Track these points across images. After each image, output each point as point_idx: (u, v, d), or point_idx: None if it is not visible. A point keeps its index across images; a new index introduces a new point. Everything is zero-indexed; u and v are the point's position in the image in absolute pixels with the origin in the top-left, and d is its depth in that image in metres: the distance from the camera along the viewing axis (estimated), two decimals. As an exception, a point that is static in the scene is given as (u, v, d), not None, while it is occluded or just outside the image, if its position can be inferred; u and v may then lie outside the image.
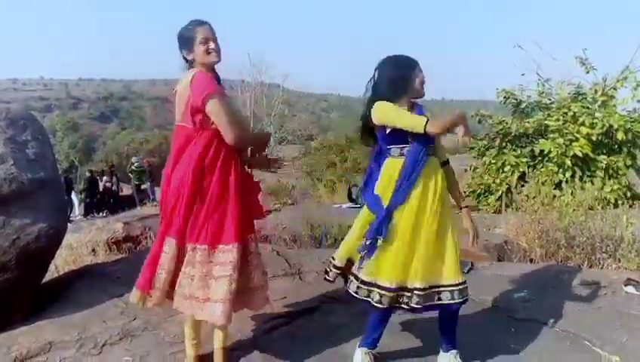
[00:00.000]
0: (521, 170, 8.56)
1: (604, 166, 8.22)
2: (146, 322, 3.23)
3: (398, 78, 2.53)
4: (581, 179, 7.87)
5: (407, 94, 2.54)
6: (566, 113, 8.78)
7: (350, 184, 11.56)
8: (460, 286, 2.46)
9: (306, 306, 3.54)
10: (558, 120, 8.70)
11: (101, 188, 15.52)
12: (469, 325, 3.05)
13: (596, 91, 9.05)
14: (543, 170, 8.40)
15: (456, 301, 2.46)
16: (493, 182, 8.86)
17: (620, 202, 7.44)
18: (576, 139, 8.30)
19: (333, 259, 2.70)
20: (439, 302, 2.48)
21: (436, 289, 2.47)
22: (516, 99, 9.66)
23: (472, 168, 9.84)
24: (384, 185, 2.54)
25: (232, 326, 2.89)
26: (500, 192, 8.53)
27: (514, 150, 8.99)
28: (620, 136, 8.16)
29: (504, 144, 9.14)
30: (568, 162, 8.18)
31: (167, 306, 2.68)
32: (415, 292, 2.43)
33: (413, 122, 2.44)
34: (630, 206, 5.81)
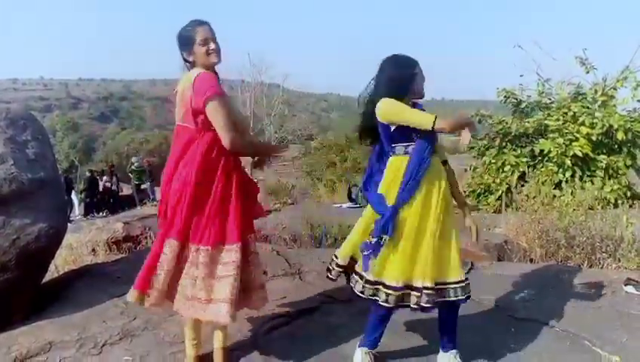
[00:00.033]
0: (521, 169, 8.56)
1: (604, 166, 8.22)
2: (146, 322, 3.23)
3: (400, 77, 2.52)
4: (581, 178, 7.88)
5: (408, 94, 2.53)
6: (566, 113, 8.78)
7: (350, 184, 11.56)
8: (464, 283, 2.49)
9: (306, 306, 3.54)
10: (558, 120, 8.70)
11: (101, 188, 15.51)
12: (469, 325, 3.05)
13: (596, 91, 9.05)
14: (543, 169, 8.40)
15: (460, 297, 2.48)
16: (493, 181, 8.86)
17: (619, 202, 7.44)
18: (576, 139, 8.30)
19: (335, 257, 2.68)
20: (444, 299, 2.49)
21: (443, 287, 2.48)
22: (516, 99, 9.66)
23: (472, 168, 9.85)
24: (389, 184, 2.52)
25: (232, 326, 2.89)
26: (500, 192, 8.53)
27: (514, 150, 8.99)
28: (619, 135, 8.17)
29: (504, 144, 9.14)
30: (568, 162, 8.18)
31: (167, 306, 2.68)
32: (425, 291, 2.43)
33: (421, 119, 2.42)
34: (630, 206, 5.80)
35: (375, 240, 2.41)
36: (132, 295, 2.59)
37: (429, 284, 2.42)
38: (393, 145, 2.55)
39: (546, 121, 8.80)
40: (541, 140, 8.75)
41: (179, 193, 2.51)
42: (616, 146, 8.59)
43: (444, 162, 2.65)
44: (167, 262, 2.52)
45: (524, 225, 5.35)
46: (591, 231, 4.87)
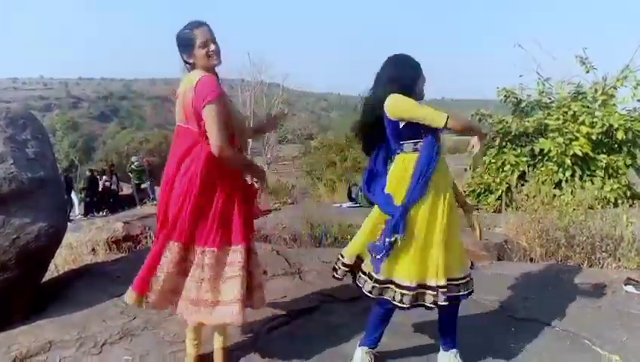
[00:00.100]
0: (521, 169, 8.56)
1: (604, 165, 8.23)
2: (146, 321, 3.23)
3: (405, 76, 2.51)
4: (581, 178, 7.89)
5: (411, 94, 2.52)
6: (566, 112, 8.79)
7: (350, 183, 11.55)
8: (468, 279, 2.54)
9: (306, 306, 3.54)
10: (558, 119, 8.71)
11: (101, 188, 15.49)
12: (469, 324, 3.05)
13: (596, 90, 9.05)
14: (542, 169, 8.40)
15: (463, 293, 2.52)
16: (493, 181, 8.86)
17: (619, 201, 7.44)
18: (576, 139, 8.30)
19: (342, 256, 2.66)
20: (455, 295, 2.51)
21: (454, 284, 2.49)
22: (516, 98, 9.66)
23: (472, 168, 9.84)
24: (396, 183, 2.50)
25: (232, 326, 2.89)
26: (500, 191, 8.53)
27: (514, 149, 8.99)
28: (619, 135, 8.17)
29: (504, 143, 9.14)
30: (568, 161, 8.18)
31: (167, 309, 2.67)
32: (440, 290, 2.43)
33: (434, 115, 2.40)
34: (630, 205, 5.80)
35: (388, 240, 2.37)
36: (130, 297, 2.56)
37: (442, 283, 2.43)
38: (401, 142, 2.52)
39: (546, 121, 8.80)
40: (541, 140, 8.75)
41: (183, 194, 2.49)
42: (616, 146, 8.60)
43: None
44: (167, 265, 2.50)
45: (524, 225, 5.35)
46: (591, 231, 4.88)
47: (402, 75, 2.52)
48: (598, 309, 3.51)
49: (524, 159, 8.72)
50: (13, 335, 3.11)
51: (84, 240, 5.73)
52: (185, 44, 2.53)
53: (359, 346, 2.68)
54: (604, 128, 8.33)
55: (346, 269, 2.64)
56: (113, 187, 15.95)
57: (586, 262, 4.71)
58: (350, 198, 10.35)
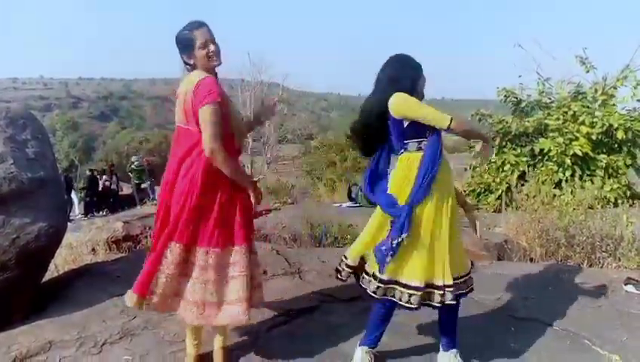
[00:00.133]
0: (521, 169, 8.56)
1: (604, 165, 8.22)
2: (145, 321, 3.23)
3: (405, 77, 2.51)
4: (581, 178, 7.88)
5: (413, 94, 2.51)
6: (566, 112, 8.78)
7: (350, 183, 11.55)
8: (469, 276, 2.57)
9: (306, 305, 3.54)
10: (558, 119, 8.70)
11: (101, 188, 15.49)
12: (469, 324, 3.05)
13: (596, 90, 9.05)
14: (542, 169, 8.40)
15: (463, 292, 2.54)
16: (493, 181, 8.86)
17: (619, 201, 7.44)
18: (576, 138, 8.30)
19: (345, 258, 2.66)
20: (460, 292, 2.52)
21: (459, 282, 2.51)
22: (516, 98, 9.66)
23: (472, 167, 9.84)
24: (400, 182, 2.49)
25: (232, 326, 2.89)
26: (500, 191, 8.53)
27: (514, 149, 8.99)
28: (619, 135, 8.17)
29: (504, 143, 9.14)
30: (568, 161, 8.18)
31: (168, 312, 2.65)
32: (447, 289, 2.44)
33: (437, 116, 2.41)
34: (630, 205, 5.80)
35: (395, 241, 2.36)
36: (131, 299, 2.54)
37: (449, 282, 2.44)
38: (405, 141, 2.51)
39: (546, 121, 8.80)
40: (541, 139, 8.75)
41: (184, 195, 2.48)
42: (616, 146, 8.59)
43: None
44: (168, 266, 2.49)
45: (524, 225, 5.34)
46: (591, 231, 4.87)
47: (403, 75, 2.51)
48: (598, 309, 3.51)
49: (524, 159, 8.72)
50: (13, 335, 3.11)
51: (84, 240, 5.73)
52: (185, 45, 2.53)
53: (359, 346, 2.68)
54: (604, 128, 8.33)
55: (350, 271, 2.63)
56: (113, 187, 15.95)
57: (586, 261, 4.71)
58: (350, 198, 10.34)
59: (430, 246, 2.43)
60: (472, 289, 2.60)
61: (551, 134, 8.60)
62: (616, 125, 8.20)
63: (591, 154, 8.28)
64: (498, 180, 8.76)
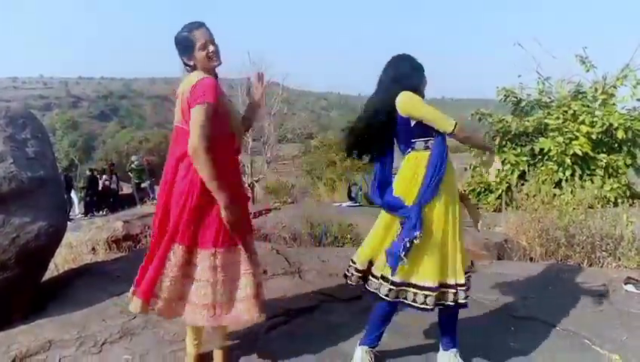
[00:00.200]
0: (521, 168, 8.57)
1: (604, 165, 8.23)
2: (145, 321, 3.22)
3: (407, 78, 2.51)
4: (581, 177, 7.89)
5: (416, 94, 2.52)
6: (566, 111, 8.79)
7: (350, 183, 11.54)
8: (470, 274, 2.59)
9: (306, 305, 3.54)
10: (558, 118, 8.71)
11: (101, 187, 15.49)
12: (469, 324, 3.05)
13: (596, 90, 9.06)
14: (543, 168, 8.41)
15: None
16: (494, 180, 8.86)
17: (619, 201, 7.45)
18: (576, 138, 8.31)
19: (353, 262, 2.64)
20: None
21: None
22: (516, 98, 9.67)
23: (472, 167, 9.85)
24: (407, 181, 2.48)
25: (232, 326, 2.89)
26: (500, 191, 8.54)
27: (514, 148, 9.00)
28: (620, 134, 8.17)
29: (504, 142, 9.15)
30: (568, 161, 8.18)
31: (173, 317, 2.61)
32: (459, 288, 2.45)
33: (442, 120, 2.41)
34: (630, 205, 5.80)
35: (407, 240, 2.33)
36: (136, 304, 2.52)
37: (461, 281, 2.45)
38: (413, 140, 2.50)
39: (546, 120, 8.81)
40: (541, 139, 8.76)
41: (184, 195, 2.46)
42: (616, 145, 8.60)
43: None
44: (172, 269, 2.47)
45: (524, 224, 5.35)
46: (591, 230, 4.88)
47: (406, 75, 2.51)
48: (598, 308, 3.51)
49: (524, 158, 8.73)
50: (12, 335, 3.11)
51: (84, 240, 5.73)
52: (184, 46, 2.53)
53: (359, 345, 2.68)
54: (604, 127, 8.34)
55: (360, 275, 2.61)
56: (113, 186, 15.96)
57: (586, 261, 4.72)
58: (350, 198, 10.34)
59: (441, 245, 2.44)
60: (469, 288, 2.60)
61: (551, 134, 8.61)
62: (616, 125, 8.21)
63: (591, 153, 8.29)
64: (498, 180, 8.76)
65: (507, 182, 8.48)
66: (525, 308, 3.48)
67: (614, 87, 9.02)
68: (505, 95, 9.70)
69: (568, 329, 3.15)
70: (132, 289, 2.60)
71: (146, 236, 5.79)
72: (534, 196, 5.53)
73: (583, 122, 8.44)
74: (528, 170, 8.40)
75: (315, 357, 2.82)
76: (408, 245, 2.33)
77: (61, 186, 4.79)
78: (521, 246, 5.19)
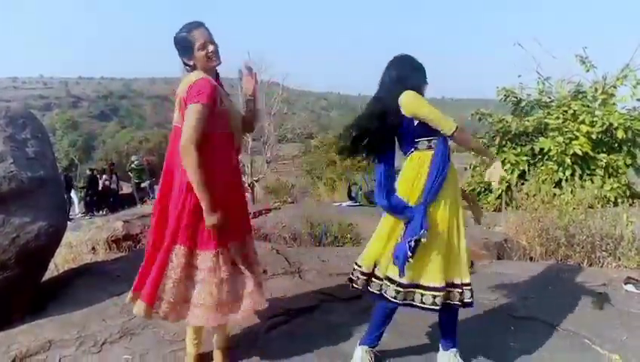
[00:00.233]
0: (521, 168, 8.56)
1: (604, 164, 8.23)
2: (145, 320, 3.22)
3: (409, 78, 2.50)
4: (581, 177, 7.88)
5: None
6: (566, 111, 8.78)
7: (350, 182, 11.56)
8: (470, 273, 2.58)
9: (306, 304, 3.54)
10: (558, 118, 8.71)
11: (101, 187, 15.50)
12: (469, 323, 3.05)
13: (596, 89, 9.06)
14: (542, 168, 8.41)
15: None
16: (494, 180, 8.85)
17: (619, 200, 7.45)
18: (576, 138, 8.30)
19: (358, 266, 2.63)
20: None
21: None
22: (516, 98, 9.67)
23: (472, 167, 9.85)
24: (410, 182, 2.47)
25: (232, 325, 2.89)
26: (500, 191, 8.53)
27: (514, 148, 9.00)
28: (619, 134, 8.17)
29: (504, 142, 9.15)
30: (568, 160, 8.18)
31: (177, 321, 2.60)
32: (465, 287, 2.46)
33: (444, 121, 2.40)
34: (630, 204, 5.80)
35: (413, 239, 2.32)
36: (140, 308, 2.52)
37: (467, 280, 2.46)
38: (416, 140, 2.50)
39: (546, 120, 8.80)
40: (541, 139, 8.75)
41: (183, 196, 2.46)
42: (616, 145, 8.60)
43: None
44: (174, 270, 2.47)
45: (524, 224, 5.34)
46: (591, 230, 4.87)
47: (408, 75, 2.51)
48: (598, 308, 3.50)
49: (524, 158, 8.72)
50: (12, 335, 3.11)
51: (84, 239, 5.73)
52: (184, 47, 2.54)
53: (359, 345, 2.68)
54: (604, 127, 8.33)
55: (365, 278, 2.60)
56: (113, 186, 15.96)
57: (586, 261, 4.71)
58: (350, 197, 10.35)
59: (447, 245, 2.44)
60: None
61: (551, 133, 8.61)
62: (616, 124, 8.21)
63: (591, 153, 8.28)
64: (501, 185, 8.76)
65: (507, 182, 8.48)
66: (525, 307, 3.48)
67: (614, 87, 9.02)
68: (505, 95, 9.70)
69: (568, 328, 3.15)
70: (131, 292, 2.60)
71: (145, 236, 5.78)
72: (534, 196, 5.53)
73: (583, 122, 8.44)
74: (528, 170, 8.40)
75: (315, 356, 2.82)
76: (413, 245, 2.31)
77: (61, 186, 4.79)
78: (521, 245, 5.19)
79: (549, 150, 8.40)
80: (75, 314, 3.37)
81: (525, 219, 5.36)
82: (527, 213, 5.37)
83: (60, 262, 5.02)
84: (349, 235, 6.03)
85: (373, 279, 2.57)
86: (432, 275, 2.42)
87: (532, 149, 8.83)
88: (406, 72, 2.52)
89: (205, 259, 2.48)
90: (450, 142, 2.52)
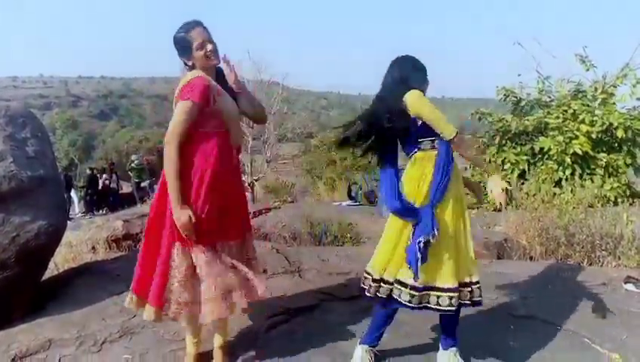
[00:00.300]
0: (521, 167, 8.56)
1: (603, 164, 8.23)
2: (145, 320, 3.21)
3: (413, 78, 2.50)
4: (581, 176, 7.89)
5: None
6: (566, 111, 8.78)
7: (350, 182, 11.57)
8: None
9: (306, 304, 3.53)
10: (557, 117, 8.70)
11: (101, 186, 15.51)
12: (469, 322, 3.05)
13: (596, 89, 9.05)
14: (542, 167, 8.40)
15: None
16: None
17: (619, 200, 7.45)
18: (576, 137, 8.30)
19: (368, 274, 2.58)
20: None
21: None
22: (516, 97, 9.67)
23: (472, 166, 9.83)
24: (415, 182, 2.46)
25: (232, 324, 2.90)
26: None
27: (514, 148, 8.99)
28: (619, 133, 8.16)
29: (504, 142, 9.14)
30: (568, 160, 8.18)
31: (189, 320, 2.58)
32: (474, 286, 2.46)
33: (445, 125, 2.38)
34: (630, 204, 5.80)
35: (422, 242, 2.30)
36: (150, 312, 2.51)
37: (476, 279, 2.46)
38: (420, 140, 2.49)
39: (545, 119, 8.80)
40: (541, 138, 8.75)
41: None
42: (616, 144, 8.60)
43: None
44: (178, 269, 2.46)
45: (524, 223, 5.34)
46: (591, 229, 4.87)
47: (410, 76, 2.50)
48: (598, 308, 3.50)
49: (524, 158, 8.72)
50: (12, 334, 3.12)
51: (84, 239, 5.74)
52: (182, 46, 2.55)
53: (359, 344, 2.68)
54: (604, 127, 8.33)
55: (377, 285, 2.53)
56: (113, 185, 15.98)
57: (586, 260, 4.72)
58: (350, 197, 10.37)
59: (456, 245, 2.44)
60: None
61: (551, 133, 8.60)
62: (616, 124, 8.20)
63: (591, 153, 8.28)
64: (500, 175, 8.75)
65: (507, 181, 8.47)
66: (525, 307, 3.48)
67: (614, 87, 9.02)
68: (505, 94, 9.70)
69: (568, 328, 3.15)
70: (132, 294, 2.61)
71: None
72: (534, 195, 5.53)
73: (582, 121, 8.44)
74: (528, 169, 8.40)
75: (315, 355, 2.82)
76: (423, 246, 2.30)
77: (61, 185, 4.78)
78: (521, 245, 5.19)
79: (549, 149, 8.40)
80: (75, 314, 3.37)
81: (525, 218, 5.36)
82: (527, 212, 5.37)
83: (60, 261, 5.02)
84: (348, 235, 6.03)
85: (382, 284, 2.52)
86: (446, 276, 2.40)
87: (532, 149, 8.83)
88: (408, 73, 2.51)
89: (201, 255, 2.47)
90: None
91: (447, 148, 2.44)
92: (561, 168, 8.23)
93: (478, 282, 2.48)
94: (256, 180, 16.49)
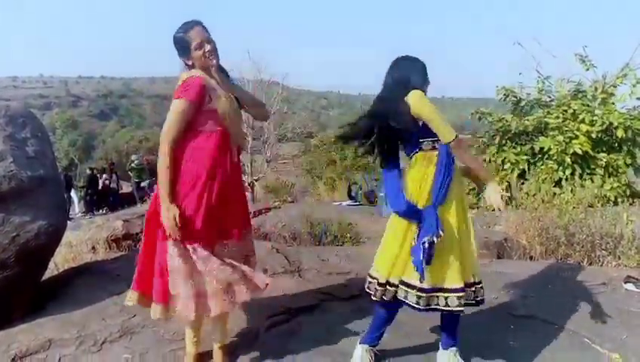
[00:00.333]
0: (521, 167, 8.56)
1: (603, 164, 8.23)
2: (145, 319, 3.22)
3: (414, 79, 2.49)
4: (581, 176, 7.89)
5: None
6: (566, 110, 8.78)
7: (350, 182, 11.57)
8: None
9: (306, 303, 3.53)
10: (557, 117, 8.70)
11: (101, 186, 15.51)
12: (469, 322, 3.05)
13: (596, 89, 9.06)
14: (542, 167, 8.40)
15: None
16: (493, 179, 8.86)
17: (619, 200, 7.45)
18: (576, 137, 8.30)
19: (373, 278, 2.56)
20: None
21: None
22: (516, 97, 9.67)
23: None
24: (417, 183, 2.45)
25: (232, 324, 2.90)
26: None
27: (514, 147, 8.99)
28: (619, 133, 8.17)
29: (504, 141, 9.14)
30: (568, 160, 8.18)
31: (199, 317, 2.58)
32: (477, 286, 2.48)
33: (445, 128, 2.37)
34: (630, 203, 5.80)
35: (426, 243, 2.29)
36: (156, 311, 2.51)
37: (478, 279, 2.48)
38: (421, 140, 2.49)
39: (545, 119, 8.80)
40: (541, 138, 8.75)
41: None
42: (616, 144, 8.60)
43: None
44: (178, 266, 2.45)
45: (524, 223, 5.34)
46: (591, 229, 4.87)
47: (411, 76, 2.50)
48: (598, 307, 3.50)
49: (524, 157, 8.72)
50: (12, 334, 3.12)
51: (83, 239, 5.74)
52: (181, 46, 2.56)
53: (360, 344, 2.68)
54: (604, 126, 8.33)
55: (382, 288, 2.51)
56: (113, 185, 15.98)
57: (586, 260, 4.71)
58: (350, 197, 10.36)
59: (460, 245, 2.43)
60: None
61: (551, 133, 8.60)
62: (616, 123, 8.20)
63: (591, 152, 8.28)
64: (498, 179, 8.75)
65: (507, 181, 8.48)
66: (525, 306, 3.48)
67: (614, 86, 9.02)
68: (505, 94, 9.70)
69: (568, 327, 3.15)
70: (133, 292, 2.61)
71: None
72: (534, 195, 5.53)
73: (582, 121, 8.44)
74: (528, 169, 8.40)
75: (315, 355, 2.82)
76: (427, 246, 2.28)
77: (61, 185, 4.78)
78: (521, 245, 5.19)
79: (549, 149, 8.40)
80: (75, 314, 3.37)
81: (525, 218, 5.35)
82: (527, 212, 5.37)
83: (60, 261, 5.02)
84: (348, 234, 6.03)
85: (388, 287, 2.50)
86: (453, 277, 2.40)
87: (532, 148, 8.83)
88: (409, 73, 2.51)
89: (198, 252, 2.47)
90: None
91: (448, 148, 2.44)
92: (561, 168, 8.23)
93: (480, 282, 2.50)
94: (256, 180, 16.50)
